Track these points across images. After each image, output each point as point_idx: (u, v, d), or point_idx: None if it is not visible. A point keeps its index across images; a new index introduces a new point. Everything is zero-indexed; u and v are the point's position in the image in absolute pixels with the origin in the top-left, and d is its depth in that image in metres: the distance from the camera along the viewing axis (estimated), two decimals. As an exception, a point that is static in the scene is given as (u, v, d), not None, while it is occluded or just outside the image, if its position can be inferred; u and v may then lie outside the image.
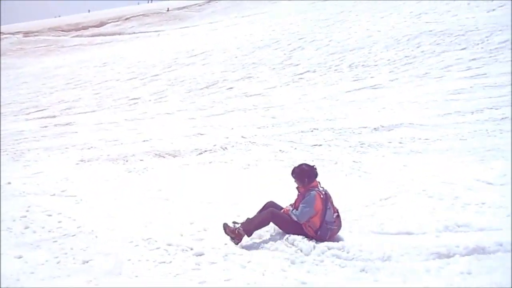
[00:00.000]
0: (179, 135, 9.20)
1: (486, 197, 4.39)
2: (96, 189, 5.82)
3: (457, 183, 4.93)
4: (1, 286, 2.82)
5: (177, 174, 6.61)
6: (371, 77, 12.19)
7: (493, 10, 15.77)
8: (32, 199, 5.27)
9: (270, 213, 3.77)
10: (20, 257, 3.46)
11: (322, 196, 3.72)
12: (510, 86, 8.90)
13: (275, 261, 3.46)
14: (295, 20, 24.22)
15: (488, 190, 4.65)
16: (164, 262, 3.41)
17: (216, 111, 11.55)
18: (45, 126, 12.53)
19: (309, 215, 3.67)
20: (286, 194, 4.32)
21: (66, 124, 12.46)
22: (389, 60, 13.65)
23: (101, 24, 39.07)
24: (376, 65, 13.49)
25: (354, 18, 20.80)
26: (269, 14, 29.62)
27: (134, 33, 36.69)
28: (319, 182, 3.89)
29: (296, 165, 4.06)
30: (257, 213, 3.93)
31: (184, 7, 41.43)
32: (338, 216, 3.80)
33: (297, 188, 3.93)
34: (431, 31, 15.13)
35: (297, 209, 3.78)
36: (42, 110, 15.70)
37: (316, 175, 3.87)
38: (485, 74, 10.32)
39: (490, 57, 11.50)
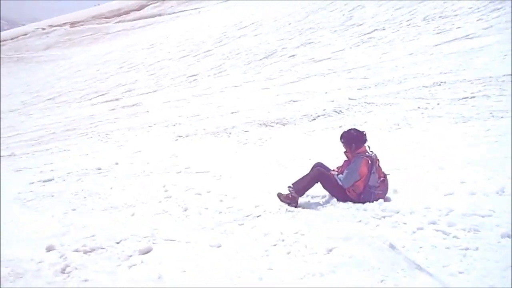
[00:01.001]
0: (269, 105, 8.59)
1: None
2: (224, 164, 5.28)
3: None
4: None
5: (300, 141, 6.06)
6: (457, 28, 10.88)
7: None
8: (161, 178, 4.87)
9: (318, 171, 3.76)
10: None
11: (369, 161, 3.62)
12: None
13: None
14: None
15: None
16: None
17: (288, 79, 10.81)
18: (113, 109, 12.44)
19: (353, 181, 3.63)
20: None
21: (133, 105, 12.28)
22: (471, 8, 12.19)
23: (141, 7, 39.09)
24: (456, 15, 12.10)
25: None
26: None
27: (174, 12, 36.37)
28: (368, 147, 3.75)
29: (346, 130, 3.86)
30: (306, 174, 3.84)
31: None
32: (384, 180, 3.67)
33: (345, 152, 3.81)
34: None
35: (342, 174, 3.73)
36: (103, 94, 15.74)
37: (364, 141, 3.71)
38: None
39: None
